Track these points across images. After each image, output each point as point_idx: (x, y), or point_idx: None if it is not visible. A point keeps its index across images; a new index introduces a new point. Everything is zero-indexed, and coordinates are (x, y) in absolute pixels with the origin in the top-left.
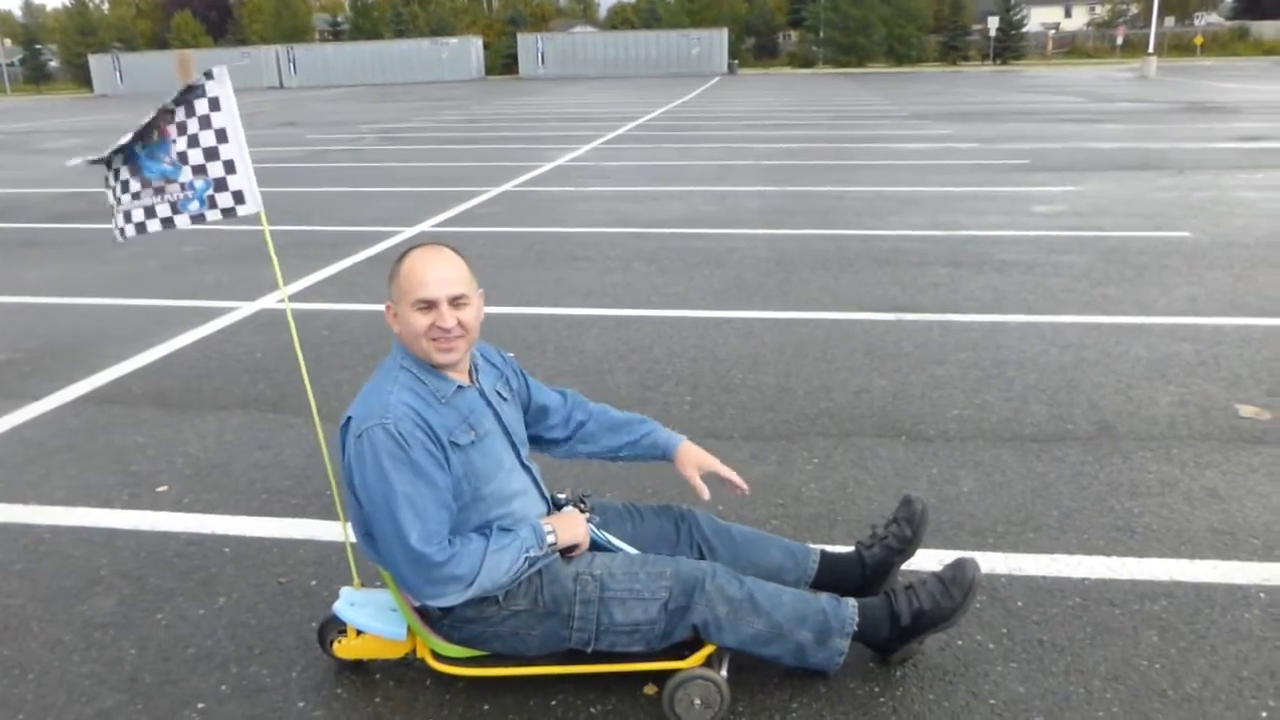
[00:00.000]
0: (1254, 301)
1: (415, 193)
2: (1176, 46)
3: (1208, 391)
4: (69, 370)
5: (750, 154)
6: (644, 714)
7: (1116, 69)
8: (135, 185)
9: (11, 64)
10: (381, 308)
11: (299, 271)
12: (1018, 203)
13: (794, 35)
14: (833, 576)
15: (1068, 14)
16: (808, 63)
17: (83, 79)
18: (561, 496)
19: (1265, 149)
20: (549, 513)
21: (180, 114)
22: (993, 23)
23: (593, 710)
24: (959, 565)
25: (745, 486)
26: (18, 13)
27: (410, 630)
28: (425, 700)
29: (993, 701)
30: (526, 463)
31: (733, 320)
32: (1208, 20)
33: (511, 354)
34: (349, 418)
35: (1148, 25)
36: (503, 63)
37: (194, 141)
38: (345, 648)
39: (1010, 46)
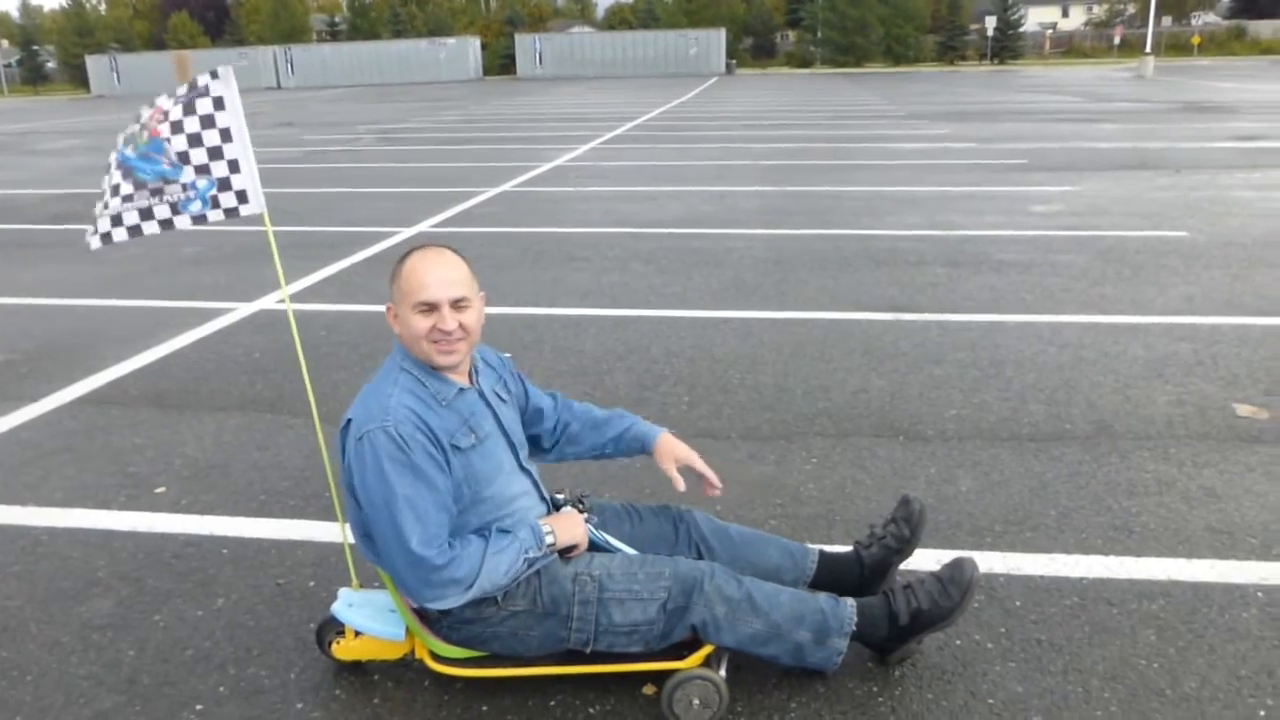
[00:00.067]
0: (1251, 301)
1: (413, 193)
2: (1174, 46)
3: (1205, 391)
4: (67, 371)
5: (748, 154)
6: (643, 714)
7: (1114, 69)
8: (127, 188)
9: (8, 65)
10: (379, 308)
11: (297, 272)
12: (1015, 202)
13: (792, 35)
14: (831, 576)
15: (1065, 14)
16: (805, 63)
17: (80, 80)
18: (560, 497)
19: (1262, 148)
20: (548, 514)
21: (176, 113)
22: (990, 23)
23: (591, 710)
24: (957, 565)
25: (719, 485)
26: (15, 14)
27: (409, 631)
28: (424, 701)
29: (991, 701)
30: (525, 465)
31: (730, 320)
32: (1205, 20)
33: (508, 354)
34: (349, 420)
35: (1145, 25)
36: (500, 63)
37: (196, 141)
38: (344, 649)
39: (1007, 46)
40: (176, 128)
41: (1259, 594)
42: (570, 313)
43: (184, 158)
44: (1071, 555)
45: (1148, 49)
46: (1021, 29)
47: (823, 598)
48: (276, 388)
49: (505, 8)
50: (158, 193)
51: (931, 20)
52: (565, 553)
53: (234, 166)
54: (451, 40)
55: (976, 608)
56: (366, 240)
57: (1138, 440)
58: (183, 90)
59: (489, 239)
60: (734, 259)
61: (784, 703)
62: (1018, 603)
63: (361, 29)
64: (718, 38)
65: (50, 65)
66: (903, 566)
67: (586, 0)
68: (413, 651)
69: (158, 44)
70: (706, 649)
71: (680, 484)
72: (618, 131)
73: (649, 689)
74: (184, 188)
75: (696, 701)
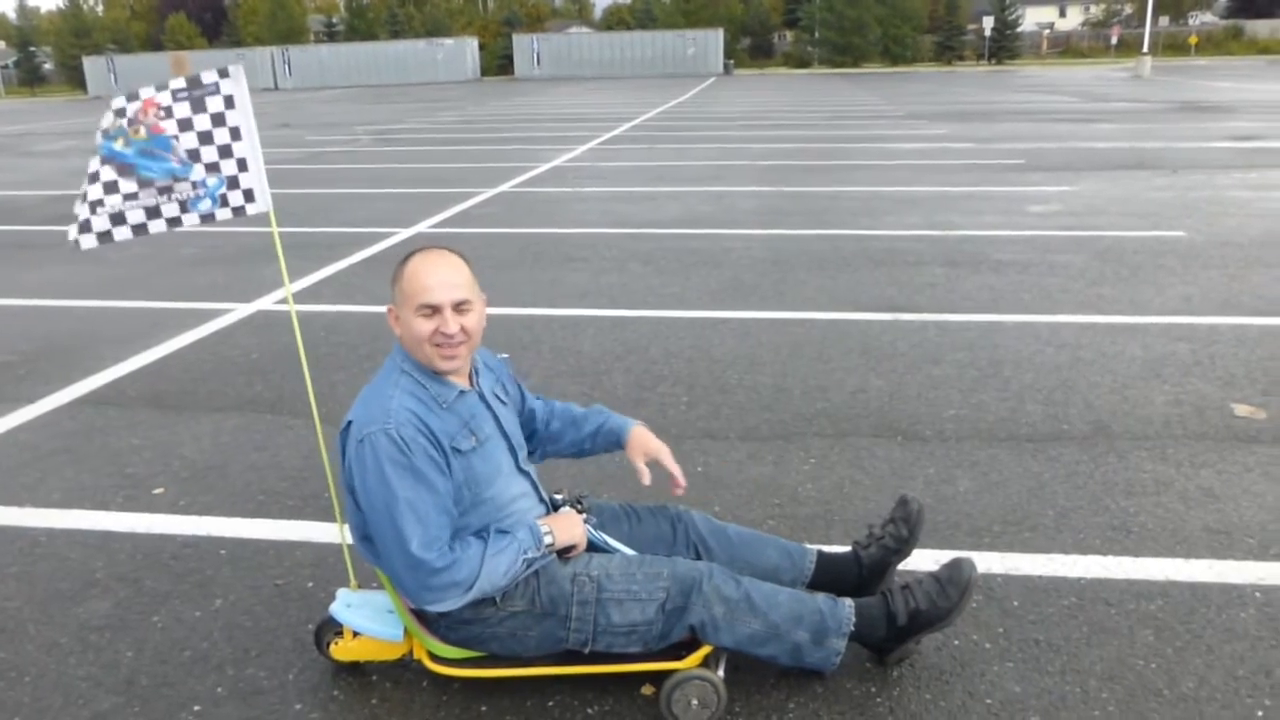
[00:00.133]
0: (1249, 301)
1: (411, 194)
2: (1171, 46)
3: (1203, 391)
4: (65, 372)
5: (746, 154)
6: (641, 714)
7: (1111, 69)
8: (128, 185)
9: (5, 66)
10: (378, 309)
11: (296, 272)
12: (1013, 203)
13: (789, 35)
14: (829, 577)
15: (1062, 14)
16: (803, 63)
17: (77, 81)
18: (558, 497)
19: (1259, 148)
20: (547, 514)
21: (183, 110)
22: (988, 23)
23: (590, 711)
24: (955, 565)
25: (684, 484)
26: (12, 15)
27: (407, 632)
28: (422, 701)
29: (989, 701)
30: (524, 466)
31: (729, 320)
32: (1202, 20)
33: (506, 355)
34: (349, 422)
35: (1142, 25)
36: (498, 63)
37: (207, 139)
38: (342, 649)
39: (1005, 46)
40: (185, 125)
41: (1256, 594)
42: (568, 313)
43: (194, 155)
44: (1069, 555)
45: (1145, 49)
46: (1019, 29)
47: (821, 598)
48: (275, 388)
49: (503, 8)
50: (166, 190)
51: (929, 20)
52: (564, 553)
53: (242, 165)
54: (449, 41)
55: (974, 608)
56: (365, 241)
57: (1135, 440)
58: (178, 84)
59: (487, 239)
60: (732, 259)
61: (782, 703)
62: (1016, 603)
63: (359, 30)
64: (715, 38)
65: (47, 66)
66: (901, 567)
67: (584, 1)
68: (411, 652)
69: (155, 45)
70: (705, 649)
71: (646, 478)
72: (616, 132)
73: (647, 689)
74: (194, 186)
75: (695, 702)
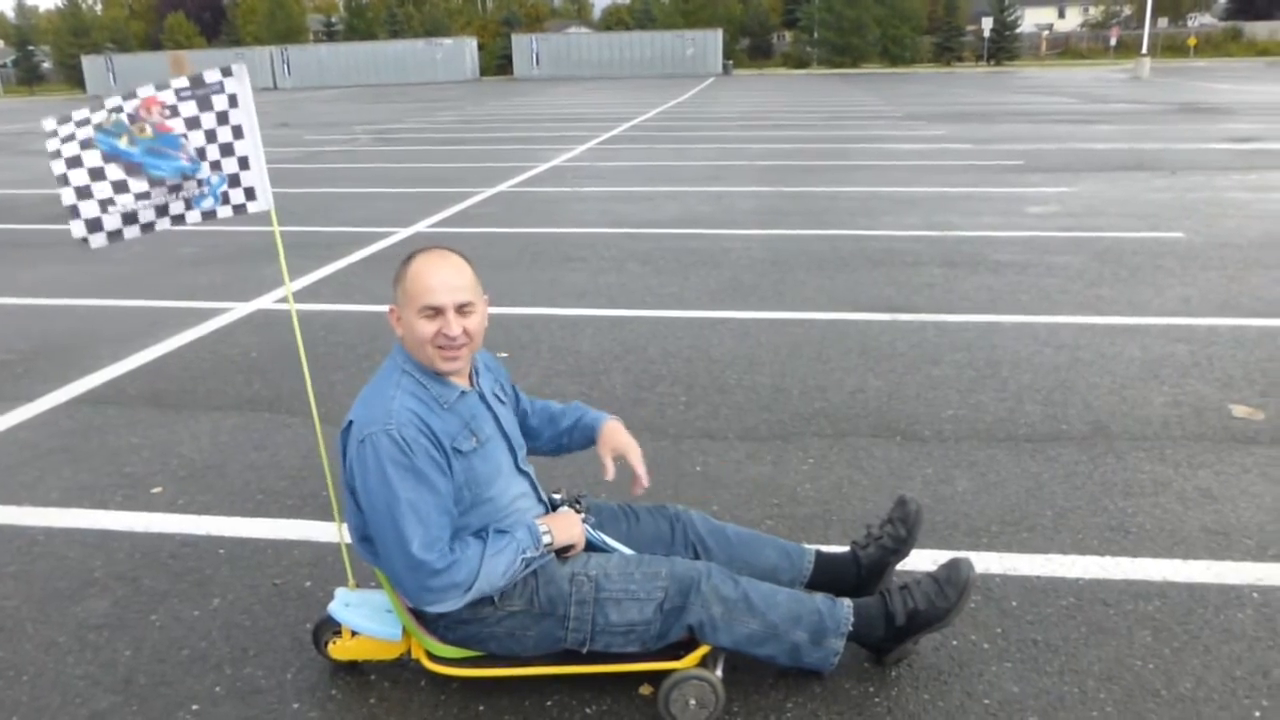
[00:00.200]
0: (1247, 302)
1: (410, 193)
2: (1170, 47)
3: (1201, 392)
4: (63, 371)
5: (745, 154)
6: (639, 714)
7: (1110, 70)
8: (139, 185)
9: (4, 65)
10: (376, 309)
11: (295, 272)
12: (1012, 203)
13: (788, 36)
14: (828, 576)
15: (1061, 15)
16: (802, 63)
17: (75, 80)
18: (557, 497)
19: (1258, 150)
20: (545, 514)
21: (189, 108)
22: (987, 24)
23: (588, 711)
24: (953, 565)
25: (645, 485)
26: (10, 13)
27: (405, 631)
28: (420, 701)
29: (987, 701)
30: (523, 466)
31: (728, 320)
32: (1201, 21)
33: (505, 354)
34: (350, 422)
35: (1141, 26)
36: (497, 63)
37: (211, 137)
38: (340, 649)
39: (1004, 47)
40: (193, 124)
41: (1254, 595)
42: (567, 313)
43: (201, 154)
44: (1068, 556)
45: (1144, 50)
46: (1018, 30)
47: (819, 598)
48: (273, 387)
49: (502, 8)
50: (176, 189)
51: (928, 21)
52: (562, 553)
53: (244, 163)
54: (448, 41)
55: (973, 608)
56: (364, 240)
57: (1134, 441)
58: (181, 83)
59: (486, 239)
60: (731, 259)
61: (780, 703)
62: (1014, 603)
63: (358, 29)
64: (714, 38)
65: (46, 65)
66: (899, 567)
67: (583, 1)
68: (409, 651)
69: (154, 44)
70: (703, 649)
71: (609, 473)
72: (614, 132)
73: (646, 689)
74: (199, 183)
75: (693, 702)
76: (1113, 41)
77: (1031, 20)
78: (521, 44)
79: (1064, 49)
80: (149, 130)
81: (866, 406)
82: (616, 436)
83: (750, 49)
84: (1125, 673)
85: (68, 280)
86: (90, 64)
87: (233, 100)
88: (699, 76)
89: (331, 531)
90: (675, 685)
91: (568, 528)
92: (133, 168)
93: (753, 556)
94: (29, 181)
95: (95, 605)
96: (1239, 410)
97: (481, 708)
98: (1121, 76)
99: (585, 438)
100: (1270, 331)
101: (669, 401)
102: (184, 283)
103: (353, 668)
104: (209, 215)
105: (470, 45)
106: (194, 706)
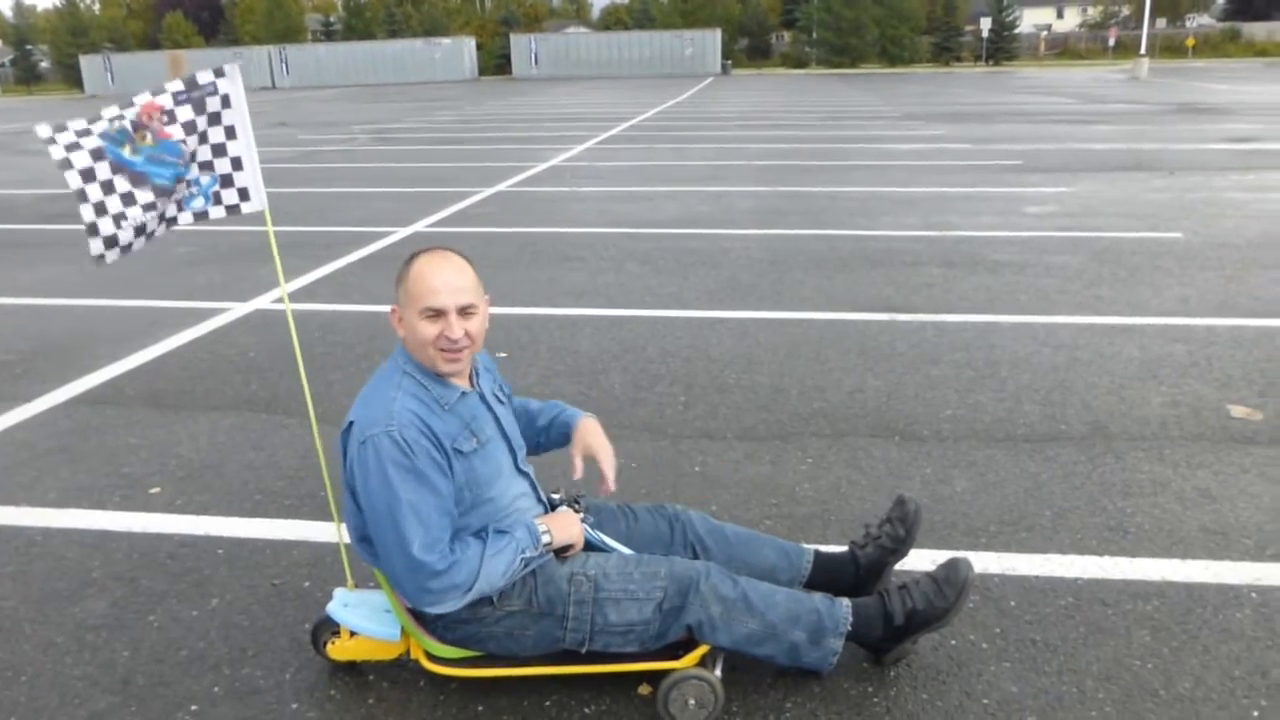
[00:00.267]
0: (1245, 302)
1: (408, 193)
2: (1168, 48)
3: (1200, 392)
4: (61, 371)
5: (744, 154)
6: (638, 714)
7: (1108, 70)
8: (145, 196)
9: (2, 65)
10: (375, 309)
11: (293, 271)
12: (1011, 203)
13: (787, 36)
14: (826, 576)
15: (1060, 15)
16: (801, 63)
17: (74, 80)
18: (556, 497)
19: (1257, 150)
20: (545, 514)
21: (186, 112)
22: (985, 24)
23: (587, 711)
24: (952, 565)
25: (612, 489)
26: (8, 13)
27: (404, 631)
28: (419, 701)
29: (986, 701)
30: (523, 466)
31: (726, 320)
32: (1199, 22)
33: (504, 354)
34: (351, 422)
35: (1139, 27)
36: (496, 63)
37: (203, 138)
38: (339, 649)
39: (1003, 48)
40: (190, 128)
41: (1253, 595)
42: (566, 313)
43: (194, 155)
44: (1066, 556)
45: (1142, 51)
46: (1016, 30)
47: (818, 598)
48: (271, 387)
49: (500, 8)
50: (171, 194)
51: (926, 21)
52: (561, 553)
53: (237, 164)
54: (447, 40)
55: (971, 608)
56: (362, 240)
57: (1132, 441)
58: (176, 86)
59: (484, 239)
60: (730, 259)
61: (779, 703)
62: (1013, 603)
63: (356, 29)
64: (713, 38)
65: (44, 65)
66: (898, 567)
67: (582, 0)
68: (408, 652)
69: (152, 44)
70: (702, 649)
71: (578, 471)
72: (613, 132)
73: (644, 689)
74: (188, 184)
75: (692, 701)
76: (1111, 42)
77: (1030, 20)
78: (520, 44)
79: (1062, 49)
80: (149, 138)
81: (865, 406)
82: (590, 436)
83: (749, 49)
84: (1124, 672)
85: (66, 280)
86: (88, 64)
87: (225, 100)
88: (698, 76)
89: (330, 532)
90: (674, 685)
91: (566, 527)
92: (137, 177)
93: (751, 556)
94: (27, 181)
95: (93, 606)
96: (1237, 410)
97: (480, 708)
98: (1120, 77)
99: (562, 435)
100: (1268, 331)
101: (668, 401)
102: (182, 283)
103: (351, 668)
104: (201, 216)
105: (469, 45)
106: (192, 707)
